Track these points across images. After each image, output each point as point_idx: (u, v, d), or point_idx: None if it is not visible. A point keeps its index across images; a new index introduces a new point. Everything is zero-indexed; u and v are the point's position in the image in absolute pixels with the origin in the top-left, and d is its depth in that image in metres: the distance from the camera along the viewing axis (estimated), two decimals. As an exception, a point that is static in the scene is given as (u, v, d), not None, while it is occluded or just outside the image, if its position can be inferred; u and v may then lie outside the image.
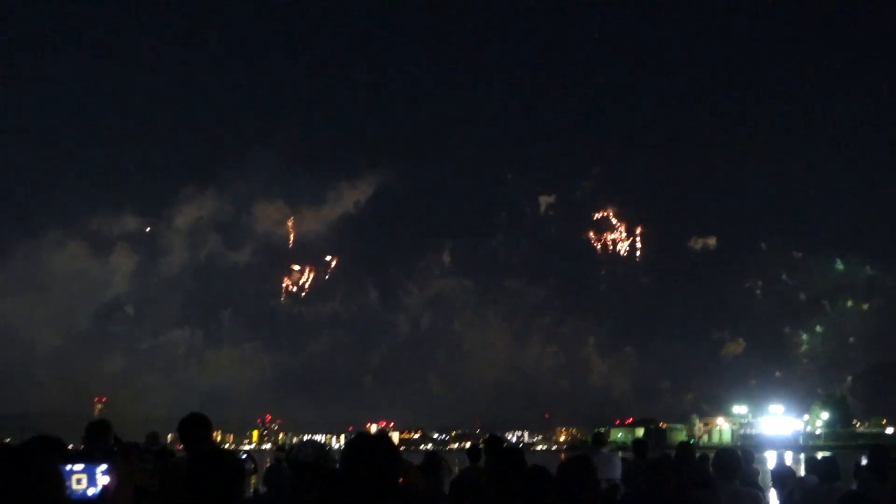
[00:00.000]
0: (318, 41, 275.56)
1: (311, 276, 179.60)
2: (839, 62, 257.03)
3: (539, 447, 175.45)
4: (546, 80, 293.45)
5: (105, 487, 3.85)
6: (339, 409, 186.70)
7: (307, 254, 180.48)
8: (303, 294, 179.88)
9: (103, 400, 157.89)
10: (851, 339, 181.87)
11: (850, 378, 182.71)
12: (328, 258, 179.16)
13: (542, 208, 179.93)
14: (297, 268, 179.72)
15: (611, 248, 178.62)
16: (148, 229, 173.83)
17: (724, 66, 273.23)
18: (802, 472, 13.13)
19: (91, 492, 3.87)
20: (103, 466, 3.90)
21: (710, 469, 9.00)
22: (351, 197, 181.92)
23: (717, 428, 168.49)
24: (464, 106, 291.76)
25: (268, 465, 16.86)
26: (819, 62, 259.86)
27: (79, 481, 3.88)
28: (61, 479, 3.54)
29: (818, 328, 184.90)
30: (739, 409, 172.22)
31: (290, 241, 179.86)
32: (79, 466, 3.91)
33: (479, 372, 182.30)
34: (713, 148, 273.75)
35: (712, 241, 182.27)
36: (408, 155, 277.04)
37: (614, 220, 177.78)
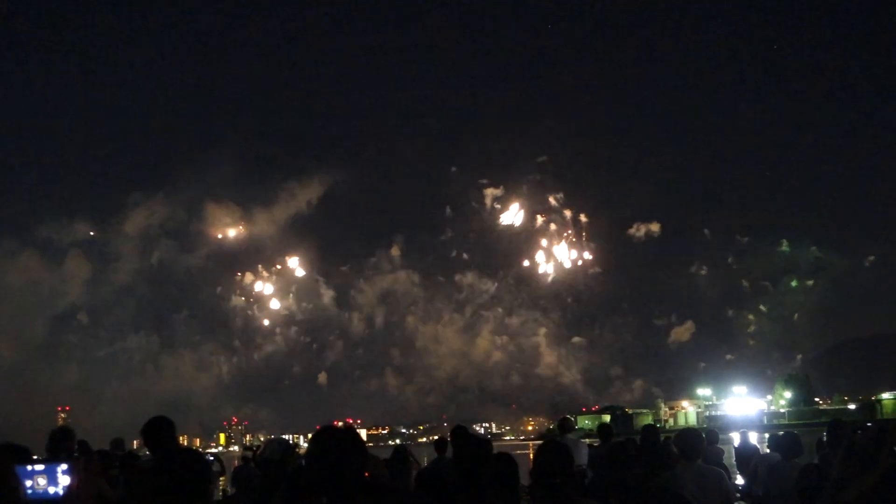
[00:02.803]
0: (265, 45, 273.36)
1: (265, 276, 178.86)
2: (782, 42, 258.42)
3: (507, 438, 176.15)
4: (487, 70, 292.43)
5: (66, 487, 3.85)
6: (303, 409, 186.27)
7: (261, 255, 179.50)
8: (256, 296, 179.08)
9: (66, 409, 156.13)
10: (796, 317, 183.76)
11: (799, 357, 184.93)
12: (282, 258, 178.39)
13: (489, 201, 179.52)
14: (249, 269, 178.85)
15: (556, 237, 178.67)
16: (92, 233, 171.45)
17: (667, 50, 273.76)
18: (767, 450, 13.31)
19: (52, 490, 3.87)
20: (64, 466, 3.90)
21: (674, 450, 9.11)
22: (303, 196, 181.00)
23: (683, 411, 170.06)
24: (408, 99, 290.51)
25: (235, 466, 16.80)
26: (762, 43, 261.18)
27: (39, 482, 3.88)
28: (17, 479, 3.53)
29: (762, 307, 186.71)
30: (704, 391, 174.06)
31: (243, 243, 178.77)
32: (39, 467, 3.91)
33: (435, 366, 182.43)
34: (656, 133, 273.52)
35: (656, 228, 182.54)
36: (356, 152, 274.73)
37: (559, 210, 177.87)
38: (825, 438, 9.84)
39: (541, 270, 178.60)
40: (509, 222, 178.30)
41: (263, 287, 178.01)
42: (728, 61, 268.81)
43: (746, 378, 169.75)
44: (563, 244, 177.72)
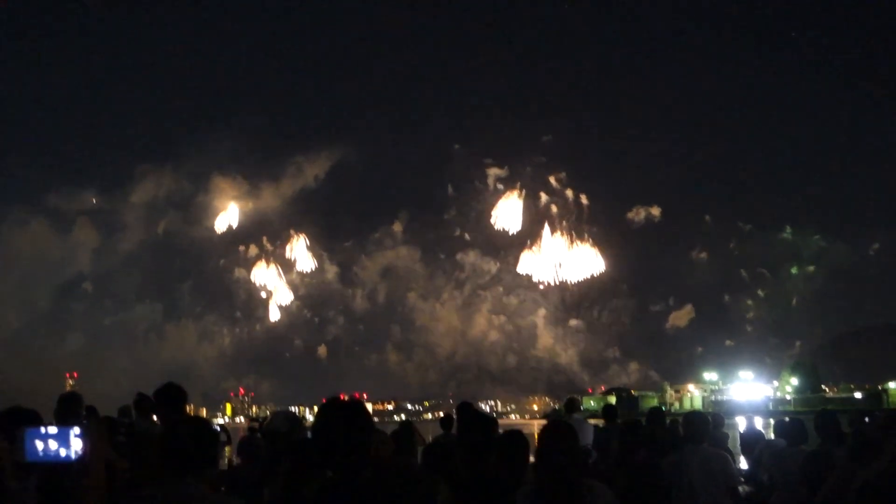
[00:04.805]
0: (274, 19, 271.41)
1: (270, 250, 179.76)
2: (792, 31, 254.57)
3: (512, 416, 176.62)
4: (493, 48, 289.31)
5: (78, 451, 3.88)
6: (304, 382, 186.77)
7: (266, 229, 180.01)
8: (260, 268, 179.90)
9: (75, 375, 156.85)
10: (794, 302, 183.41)
11: (798, 344, 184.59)
12: (287, 232, 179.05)
13: (491, 181, 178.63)
14: (254, 242, 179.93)
15: (557, 219, 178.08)
16: (95, 201, 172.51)
17: (672, 33, 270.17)
18: (772, 436, 13.31)
19: (63, 453, 3.91)
20: (76, 430, 3.93)
21: (681, 432, 9.13)
22: (311, 171, 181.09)
23: (688, 395, 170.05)
24: (414, 74, 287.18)
25: (241, 437, 16.84)
26: (768, 28, 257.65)
27: (52, 444, 3.92)
28: (18, 441, 3.57)
29: (760, 292, 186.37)
30: (710, 375, 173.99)
31: (249, 216, 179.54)
32: (52, 430, 3.94)
33: (435, 344, 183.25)
34: (661, 116, 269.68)
35: (656, 212, 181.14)
36: (364, 128, 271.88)
37: (561, 191, 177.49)
38: (815, 428, 9.80)
39: (543, 251, 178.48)
40: (507, 226, 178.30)
41: (268, 269, 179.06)
42: (735, 45, 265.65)
43: (745, 364, 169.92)
44: (565, 237, 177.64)
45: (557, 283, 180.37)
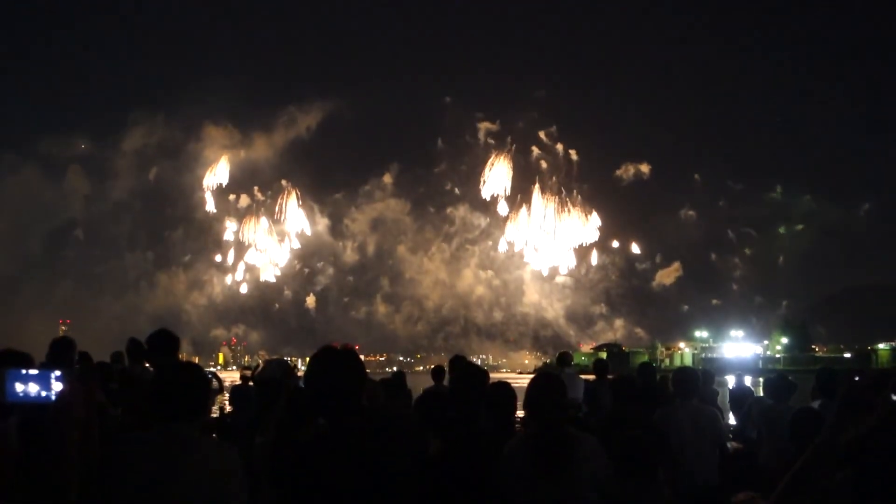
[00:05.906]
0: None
1: (261, 199, 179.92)
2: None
3: (503, 370, 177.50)
4: (488, 2, 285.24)
5: (59, 393, 3.89)
6: (297, 333, 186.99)
7: (257, 178, 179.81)
8: (251, 222, 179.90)
9: (67, 322, 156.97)
10: (781, 260, 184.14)
11: (784, 304, 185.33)
12: (278, 183, 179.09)
13: (482, 136, 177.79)
14: (245, 192, 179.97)
15: (547, 175, 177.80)
16: (84, 147, 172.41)
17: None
18: (761, 394, 13.38)
19: (44, 394, 3.92)
20: (57, 372, 3.94)
21: (671, 387, 9.16)
22: (303, 122, 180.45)
23: (679, 352, 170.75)
24: (406, 26, 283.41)
25: (233, 385, 16.89)
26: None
27: (33, 385, 3.93)
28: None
29: (747, 251, 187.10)
30: (701, 333, 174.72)
31: (240, 166, 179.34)
32: (34, 371, 3.95)
33: (424, 297, 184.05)
34: (653, 72, 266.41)
35: (646, 168, 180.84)
36: (357, 79, 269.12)
37: (551, 147, 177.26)
38: (815, 387, 9.79)
39: (532, 207, 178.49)
40: (498, 187, 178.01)
41: (258, 223, 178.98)
42: (729, 4, 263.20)
43: (732, 323, 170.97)
44: (554, 197, 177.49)
45: (545, 240, 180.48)
